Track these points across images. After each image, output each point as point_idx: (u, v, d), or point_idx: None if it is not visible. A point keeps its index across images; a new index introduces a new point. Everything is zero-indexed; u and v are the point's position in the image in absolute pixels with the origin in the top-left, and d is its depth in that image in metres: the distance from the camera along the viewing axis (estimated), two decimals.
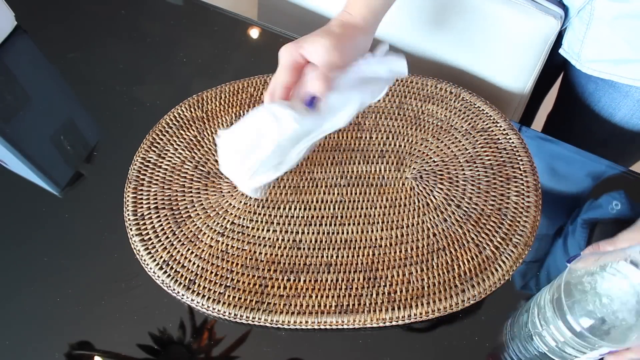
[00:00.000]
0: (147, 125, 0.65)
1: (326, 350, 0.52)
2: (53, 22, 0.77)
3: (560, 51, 0.72)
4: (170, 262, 0.55)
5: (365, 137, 0.64)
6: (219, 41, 0.75)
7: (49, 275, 0.56)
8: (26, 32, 0.75)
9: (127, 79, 0.71)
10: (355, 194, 0.60)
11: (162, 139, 0.64)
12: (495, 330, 0.53)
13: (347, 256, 0.56)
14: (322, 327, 0.52)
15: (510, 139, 0.63)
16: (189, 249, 0.56)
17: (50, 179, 0.64)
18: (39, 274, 0.56)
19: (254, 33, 0.76)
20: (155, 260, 0.56)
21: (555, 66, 0.80)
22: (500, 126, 0.64)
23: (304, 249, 0.56)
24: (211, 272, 0.55)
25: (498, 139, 0.63)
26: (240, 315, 0.52)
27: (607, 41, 0.65)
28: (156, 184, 0.61)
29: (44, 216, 0.60)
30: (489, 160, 0.62)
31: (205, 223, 0.58)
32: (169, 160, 0.63)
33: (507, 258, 0.55)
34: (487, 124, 0.64)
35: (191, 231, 0.58)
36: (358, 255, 0.56)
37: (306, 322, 0.52)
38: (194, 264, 0.55)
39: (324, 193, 0.60)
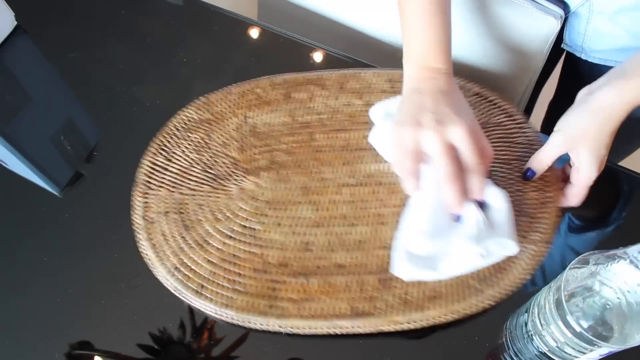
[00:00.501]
0: (147, 125, 0.65)
1: (326, 350, 0.52)
2: (53, 22, 0.77)
3: (563, 46, 0.72)
4: (180, 267, 0.54)
5: None
6: (219, 41, 0.75)
7: (49, 275, 0.56)
8: (26, 32, 0.75)
9: (127, 79, 0.71)
10: (366, 193, 0.59)
11: (169, 142, 0.63)
12: (495, 330, 0.53)
13: (359, 257, 0.54)
14: (336, 332, 0.51)
15: (525, 132, 0.61)
16: (198, 253, 0.55)
17: (50, 179, 0.64)
18: (39, 274, 0.56)
19: (254, 33, 0.76)
20: (165, 265, 0.54)
21: (554, 56, 0.79)
22: (516, 119, 0.62)
23: (314, 250, 0.55)
24: (221, 277, 0.54)
25: (513, 133, 0.62)
26: (251, 320, 0.51)
27: (609, 33, 0.65)
28: (165, 188, 0.59)
29: (44, 216, 0.60)
30: (505, 155, 0.60)
31: (215, 226, 0.57)
32: (177, 163, 0.61)
33: (526, 256, 0.53)
34: (500, 119, 0.63)
35: (200, 235, 0.56)
36: (371, 257, 0.54)
37: (320, 326, 0.51)
38: (204, 268, 0.54)
39: (334, 193, 0.59)
